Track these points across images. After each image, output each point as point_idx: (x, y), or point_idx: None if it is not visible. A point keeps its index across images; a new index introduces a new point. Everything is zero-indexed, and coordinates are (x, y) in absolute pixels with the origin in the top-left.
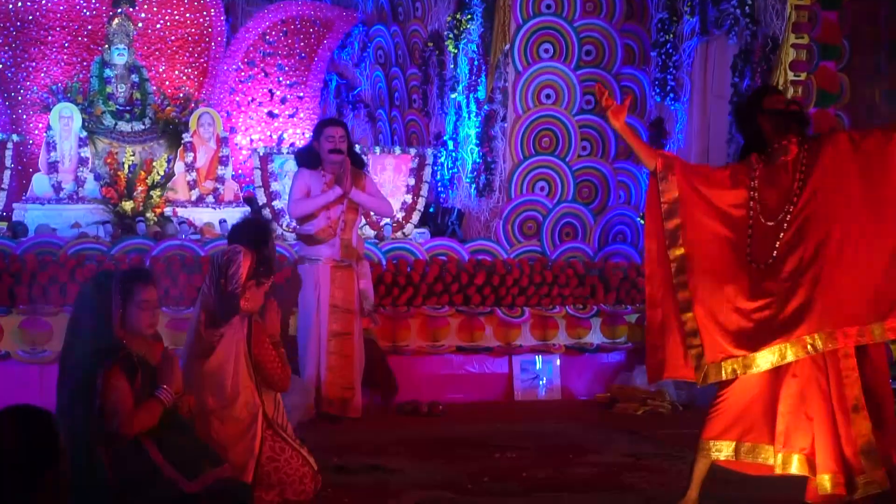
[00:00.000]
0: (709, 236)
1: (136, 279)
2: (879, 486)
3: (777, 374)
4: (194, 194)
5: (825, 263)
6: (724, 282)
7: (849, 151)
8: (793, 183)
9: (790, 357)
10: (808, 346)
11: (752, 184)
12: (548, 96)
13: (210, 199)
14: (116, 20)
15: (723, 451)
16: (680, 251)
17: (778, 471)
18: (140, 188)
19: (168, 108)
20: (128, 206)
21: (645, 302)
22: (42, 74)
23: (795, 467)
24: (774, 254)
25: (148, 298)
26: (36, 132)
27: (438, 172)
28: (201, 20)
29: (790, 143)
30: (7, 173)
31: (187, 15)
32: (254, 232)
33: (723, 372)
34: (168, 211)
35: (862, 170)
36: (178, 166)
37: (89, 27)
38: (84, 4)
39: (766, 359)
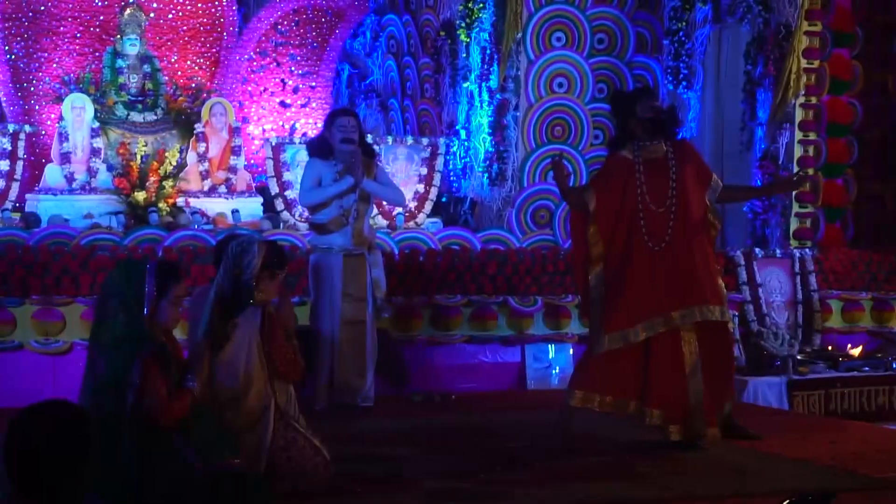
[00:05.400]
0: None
1: (172, 276)
2: (704, 438)
3: (642, 342)
4: (206, 184)
5: (696, 248)
6: (626, 265)
7: (698, 158)
8: (669, 175)
9: (660, 328)
10: (675, 321)
11: (638, 176)
12: (560, 85)
13: (222, 189)
14: (128, 10)
15: (592, 401)
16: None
17: (647, 422)
18: (152, 178)
19: (180, 98)
20: (140, 196)
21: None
22: (54, 65)
23: (655, 419)
24: (667, 237)
25: (180, 295)
26: (48, 123)
27: (451, 162)
28: (213, 10)
29: (660, 144)
30: (20, 164)
31: (199, 4)
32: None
33: (620, 341)
34: (180, 201)
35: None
36: (191, 156)
37: (101, 17)
38: None
39: (642, 331)
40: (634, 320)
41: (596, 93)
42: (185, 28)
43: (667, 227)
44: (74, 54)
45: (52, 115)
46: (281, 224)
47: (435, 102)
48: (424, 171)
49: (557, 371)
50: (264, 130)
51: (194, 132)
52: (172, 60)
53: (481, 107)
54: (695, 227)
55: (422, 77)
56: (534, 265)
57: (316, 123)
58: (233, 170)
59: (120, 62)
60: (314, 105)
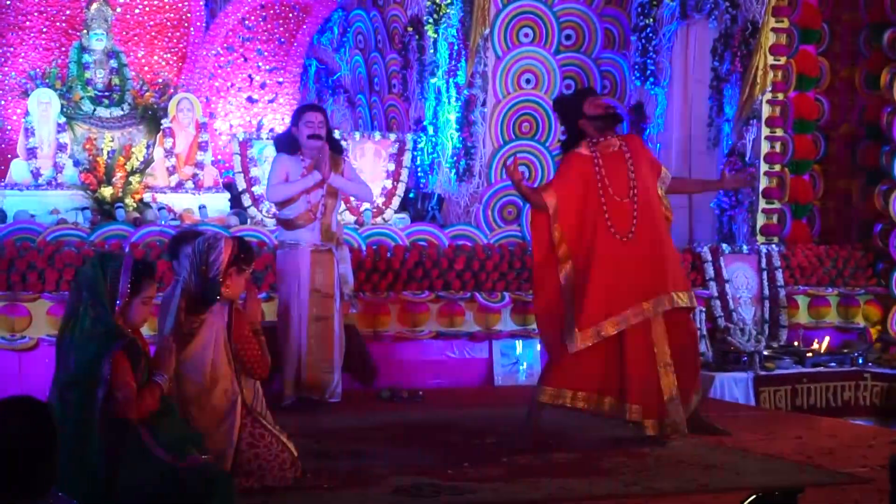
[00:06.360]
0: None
1: (147, 275)
2: (682, 432)
3: (614, 336)
4: (174, 180)
5: (661, 236)
6: (594, 259)
7: (648, 151)
8: (627, 167)
9: (633, 321)
10: (647, 311)
11: (598, 170)
12: (528, 81)
13: (189, 184)
14: (95, 5)
15: (564, 398)
16: (567, 265)
17: (627, 417)
18: (119, 174)
19: (147, 93)
20: (107, 192)
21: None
22: (20, 60)
23: (634, 414)
24: (633, 227)
25: (152, 295)
26: (14, 118)
27: (418, 157)
28: (180, 5)
29: (613, 138)
30: None
31: (166, 0)
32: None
33: (594, 337)
34: (147, 197)
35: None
36: (158, 152)
37: (67, 12)
38: None
39: (614, 325)
40: (606, 314)
41: (563, 89)
42: (151, 23)
43: (632, 217)
44: (40, 49)
45: (18, 111)
46: (248, 220)
47: (402, 98)
48: (392, 166)
49: (525, 367)
50: (231, 126)
51: (161, 128)
52: (139, 55)
53: (449, 102)
54: (657, 216)
55: (389, 73)
56: (501, 261)
57: (283, 119)
58: (200, 165)
59: (86, 57)
60: (281, 101)
